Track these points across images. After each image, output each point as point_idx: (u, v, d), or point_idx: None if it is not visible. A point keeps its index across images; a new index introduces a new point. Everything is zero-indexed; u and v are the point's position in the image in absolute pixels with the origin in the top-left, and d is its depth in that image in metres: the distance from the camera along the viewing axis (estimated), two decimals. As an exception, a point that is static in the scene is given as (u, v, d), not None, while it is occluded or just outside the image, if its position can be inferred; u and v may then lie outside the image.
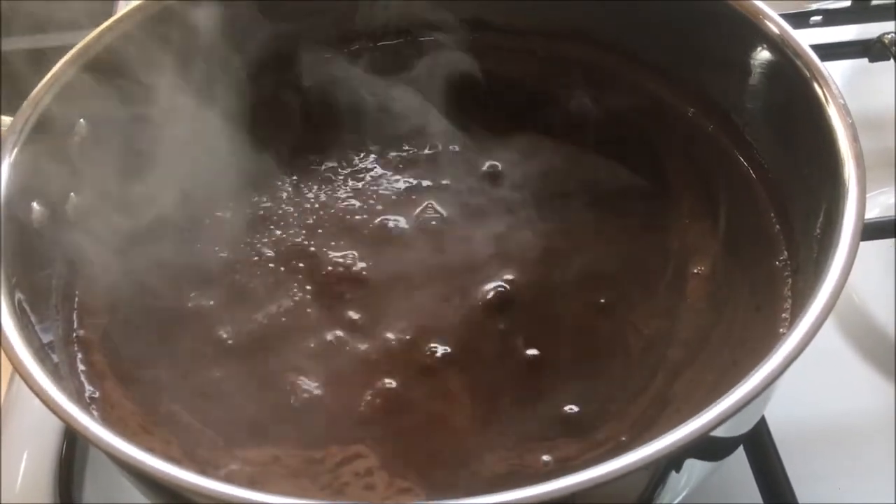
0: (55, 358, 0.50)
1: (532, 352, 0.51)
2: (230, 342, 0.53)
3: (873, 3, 0.79)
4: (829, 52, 0.74)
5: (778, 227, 0.56)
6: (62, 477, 0.58)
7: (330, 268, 0.56)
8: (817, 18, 0.78)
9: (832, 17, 0.79)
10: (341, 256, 0.56)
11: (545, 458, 0.46)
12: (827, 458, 0.57)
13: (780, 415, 0.56)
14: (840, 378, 0.62)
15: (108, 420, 0.49)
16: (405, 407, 0.49)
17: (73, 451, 0.59)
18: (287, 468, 0.47)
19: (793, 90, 0.52)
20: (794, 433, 0.57)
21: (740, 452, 0.54)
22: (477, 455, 0.47)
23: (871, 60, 0.76)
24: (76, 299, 0.55)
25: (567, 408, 0.49)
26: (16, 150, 0.51)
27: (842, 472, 0.57)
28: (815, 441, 0.58)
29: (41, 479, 0.58)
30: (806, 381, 0.58)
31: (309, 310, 0.54)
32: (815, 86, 0.50)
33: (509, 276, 0.55)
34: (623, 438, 0.47)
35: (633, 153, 0.61)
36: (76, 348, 0.53)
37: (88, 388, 0.51)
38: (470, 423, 0.48)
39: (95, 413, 0.50)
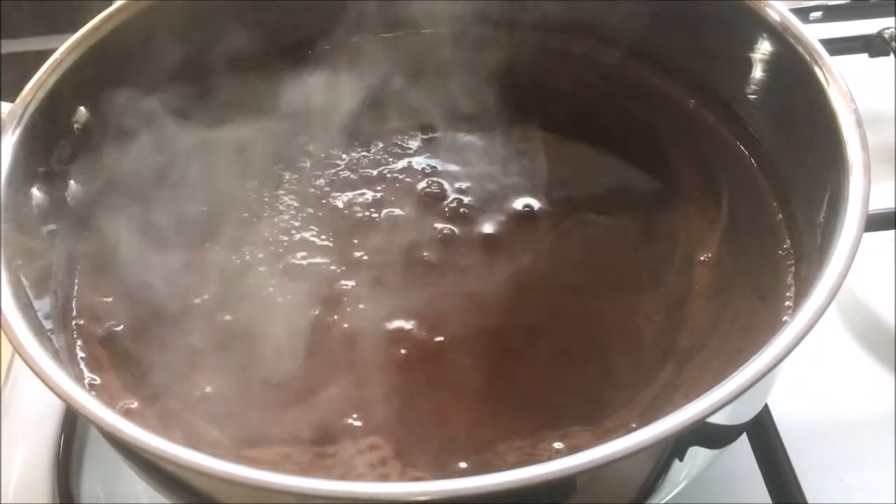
0: (55, 343, 0.50)
1: (545, 341, 0.51)
2: (236, 337, 0.52)
3: (872, -2, 0.79)
4: (829, 47, 0.73)
5: (780, 215, 0.55)
6: (60, 470, 0.58)
7: (337, 262, 0.55)
8: (817, 14, 0.78)
9: (832, 13, 0.79)
10: (345, 247, 0.56)
11: (557, 445, 0.46)
12: (830, 450, 0.57)
13: (783, 407, 0.55)
14: (843, 371, 0.61)
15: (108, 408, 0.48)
16: (419, 397, 0.49)
17: (70, 444, 0.59)
18: (298, 464, 0.46)
19: (794, 76, 0.52)
20: (798, 426, 0.57)
21: (744, 448, 0.54)
22: (490, 444, 0.46)
23: (872, 56, 0.76)
24: (76, 287, 0.55)
25: (580, 396, 0.49)
26: (16, 136, 0.51)
27: (845, 464, 0.57)
28: (819, 433, 0.58)
29: (39, 473, 0.58)
30: (809, 374, 0.58)
31: (317, 302, 0.53)
32: (817, 70, 0.50)
33: (518, 267, 0.54)
34: (633, 426, 0.47)
35: (634, 144, 0.61)
36: (75, 336, 0.53)
37: (88, 375, 0.51)
38: (483, 413, 0.48)
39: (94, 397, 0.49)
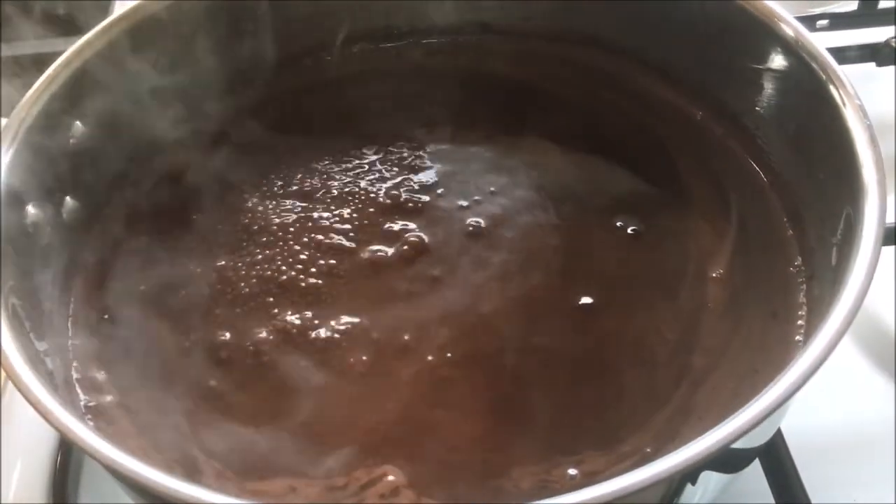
0: (49, 365, 0.49)
1: (557, 362, 0.50)
2: (237, 362, 0.51)
3: (880, 6, 0.78)
4: (836, 56, 0.72)
5: (791, 232, 0.55)
6: (57, 484, 0.57)
7: (336, 283, 0.54)
8: (824, 22, 0.77)
9: (839, 21, 0.78)
10: (350, 266, 0.55)
11: (572, 471, 0.45)
12: (840, 467, 0.56)
13: (793, 424, 0.54)
14: (853, 386, 0.60)
15: (104, 435, 0.47)
16: (431, 423, 0.48)
17: (68, 458, 0.58)
18: (305, 497, 0.45)
19: (807, 92, 0.51)
20: (808, 442, 0.56)
21: (757, 470, 0.53)
22: (504, 470, 0.45)
23: (879, 65, 0.75)
24: (71, 306, 0.54)
25: (594, 419, 0.48)
26: (10, 152, 0.50)
27: (856, 484, 0.56)
28: (829, 450, 0.57)
29: (36, 486, 0.57)
30: (819, 389, 0.56)
31: (322, 328, 0.52)
32: (832, 88, 0.49)
33: (528, 284, 0.54)
34: (648, 450, 0.46)
35: (642, 156, 0.60)
36: (71, 357, 0.51)
37: (84, 397, 0.50)
38: (497, 438, 0.47)
39: (91, 423, 0.48)
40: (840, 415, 0.59)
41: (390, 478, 0.45)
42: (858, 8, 0.79)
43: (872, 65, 0.75)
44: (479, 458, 0.46)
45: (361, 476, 0.45)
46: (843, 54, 0.74)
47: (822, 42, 0.52)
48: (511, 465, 0.46)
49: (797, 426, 0.55)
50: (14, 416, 0.61)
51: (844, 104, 0.48)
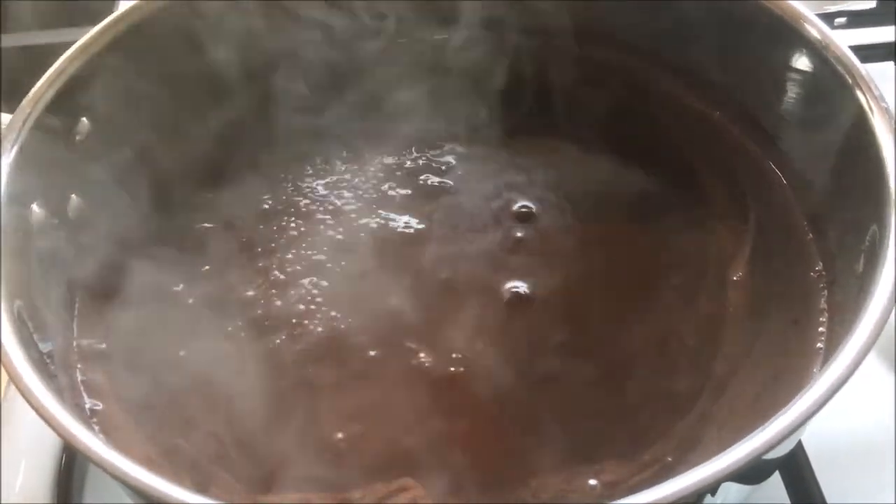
0: (53, 368, 0.48)
1: (578, 371, 0.50)
2: (250, 367, 0.50)
3: (900, 4, 0.77)
4: (854, 55, 0.72)
5: (811, 236, 0.54)
6: (61, 484, 0.56)
7: (348, 282, 0.54)
8: (842, 20, 0.76)
9: (857, 19, 0.77)
10: (366, 266, 0.54)
11: (592, 482, 0.45)
12: (857, 473, 0.55)
13: (810, 429, 0.54)
14: (871, 392, 0.59)
15: (110, 440, 0.46)
16: (450, 433, 0.47)
17: (72, 458, 0.57)
18: None
19: (831, 96, 0.50)
20: (826, 448, 0.55)
21: (777, 480, 0.53)
22: (523, 480, 0.45)
23: (897, 64, 0.74)
24: (76, 307, 0.53)
25: (614, 426, 0.47)
26: (15, 150, 0.49)
27: (874, 487, 0.55)
28: (846, 456, 0.56)
29: (40, 486, 0.56)
30: (841, 399, 0.56)
31: (338, 335, 0.51)
32: (858, 92, 0.48)
33: (545, 289, 0.53)
34: (669, 459, 0.45)
35: (659, 156, 0.59)
36: (76, 359, 0.51)
37: (89, 400, 0.49)
38: (516, 447, 0.47)
39: (97, 428, 0.47)
40: (857, 421, 0.58)
41: (408, 490, 0.44)
42: (877, 6, 0.78)
43: (890, 64, 0.74)
44: (497, 468, 0.46)
45: (379, 489, 0.45)
46: (861, 53, 0.72)
47: (843, 42, 0.51)
48: (530, 476, 0.45)
49: (815, 432, 0.54)
50: (17, 415, 0.60)
51: (872, 110, 0.47)
